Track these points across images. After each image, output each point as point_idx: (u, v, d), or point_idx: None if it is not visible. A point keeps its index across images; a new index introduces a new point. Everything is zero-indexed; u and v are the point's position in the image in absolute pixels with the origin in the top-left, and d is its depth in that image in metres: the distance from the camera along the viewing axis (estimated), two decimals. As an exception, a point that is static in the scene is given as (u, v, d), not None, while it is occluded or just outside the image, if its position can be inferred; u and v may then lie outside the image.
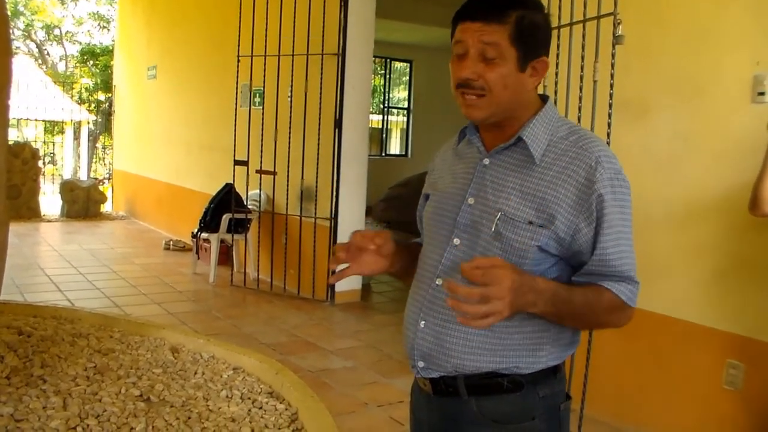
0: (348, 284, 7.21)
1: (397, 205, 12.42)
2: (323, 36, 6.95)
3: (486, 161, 1.80)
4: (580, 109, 4.11)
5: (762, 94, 3.65)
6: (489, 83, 1.69)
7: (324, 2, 6.88)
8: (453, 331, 1.75)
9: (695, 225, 3.99)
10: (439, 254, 1.82)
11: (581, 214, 1.66)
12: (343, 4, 6.98)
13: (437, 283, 1.81)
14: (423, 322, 1.81)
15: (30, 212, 12.12)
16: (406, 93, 15.69)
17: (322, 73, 7.01)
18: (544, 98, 1.82)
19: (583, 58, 4.09)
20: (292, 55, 7.08)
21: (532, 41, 1.70)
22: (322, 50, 6.97)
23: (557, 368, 1.82)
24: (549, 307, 1.62)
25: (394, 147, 16.14)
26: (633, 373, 4.33)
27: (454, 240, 1.80)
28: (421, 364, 1.83)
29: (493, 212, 1.73)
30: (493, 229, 1.72)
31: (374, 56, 7.71)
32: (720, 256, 3.90)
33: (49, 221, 12.18)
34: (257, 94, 7.93)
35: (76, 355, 4.10)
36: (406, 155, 15.48)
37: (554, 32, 4.23)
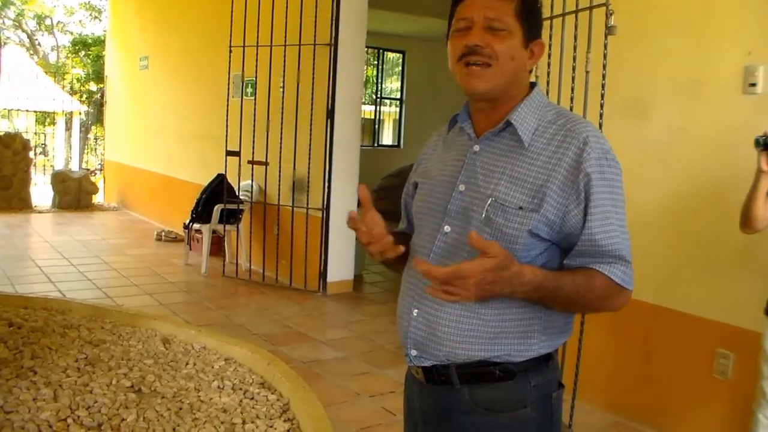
0: (340, 274, 7.22)
1: (389, 196, 12.34)
2: (315, 26, 6.91)
3: (476, 147, 1.80)
4: (572, 99, 4.11)
5: (753, 85, 3.65)
6: (497, 52, 1.69)
7: (316, -8, 6.85)
8: (445, 319, 1.75)
9: (686, 215, 4.00)
10: (431, 242, 1.82)
11: (570, 196, 1.66)
12: (335, -7, 6.96)
13: None
14: (416, 310, 1.81)
15: (21, 203, 12.09)
16: (399, 84, 15.66)
17: (314, 64, 6.98)
18: (531, 84, 1.83)
19: (575, 48, 4.08)
20: (284, 46, 7.05)
21: (535, 20, 1.75)
22: (315, 41, 6.94)
23: (549, 356, 1.81)
24: (532, 295, 1.62)
25: (387, 138, 16.13)
26: (624, 362, 4.34)
27: (445, 227, 1.80)
28: (413, 352, 1.83)
29: (483, 198, 1.73)
30: (483, 215, 1.71)
31: (367, 47, 7.69)
32: (710, 245, 3.90)
33: (40, 212, 12.13)
34: (249, 85, 7.91)
35: (67, 347, 4.10)
36: (398, 146, 15.47)
37: (546, 23, 4.23)
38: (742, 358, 3.76)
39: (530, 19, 1.72)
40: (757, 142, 3.03)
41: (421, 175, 1.98)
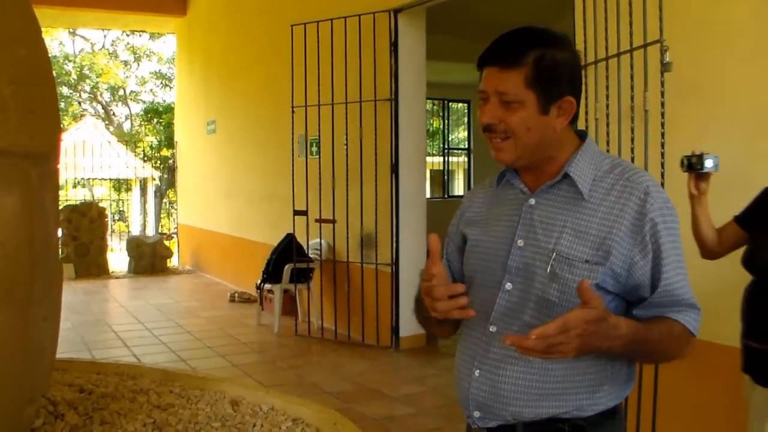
0: (412, 329, 7.12)
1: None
2: (375, 82, 6.99)
3: (532, 201, 1.77)
4: (632, 140, 4.01)
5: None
6: (511, 127, 1.68)
7: (374, 49, 6.93)
8: (509, 378, 1.72)
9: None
10: (491, 300, 1.78)
11: (635, 247, 1.64)
12: (392, 50, 7.03)
13: (491, 330, 1.77)
14: (477, 370, 1.78)
15: (98, 269, 12.39)
16: (466, 133, 15.66)
17: (376, 119, 7.03)
18: (582, 135, 1.80)
19: (632, 88, 4.00)
20: (345, 103, 7.13)
21: (553, 82, 1.68)
22: (375, 96, 7.00)
23: (616, 409, 1.77)
24: (625, 349, 1.59)
25: (458, 188, 16.11)
26: (705, 412, 4.14)
27: (506, 284, 1.76)
28: (477, 414, 1.79)
29: (546, 253, 1.70)
30: (548, 270, 1.69)
31: (432, 98, 7.72)
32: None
33: (117, 278, 12.42)
34: (313, 144, 7.98)
35: (136, 411, 4.10)
36: (468, 196, 15.41)
37: (602, 64, 4.17)
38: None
39: (546, 83, 1.66)
40: (681, 163, 2.80)
41: (470, 229, 1.93)
